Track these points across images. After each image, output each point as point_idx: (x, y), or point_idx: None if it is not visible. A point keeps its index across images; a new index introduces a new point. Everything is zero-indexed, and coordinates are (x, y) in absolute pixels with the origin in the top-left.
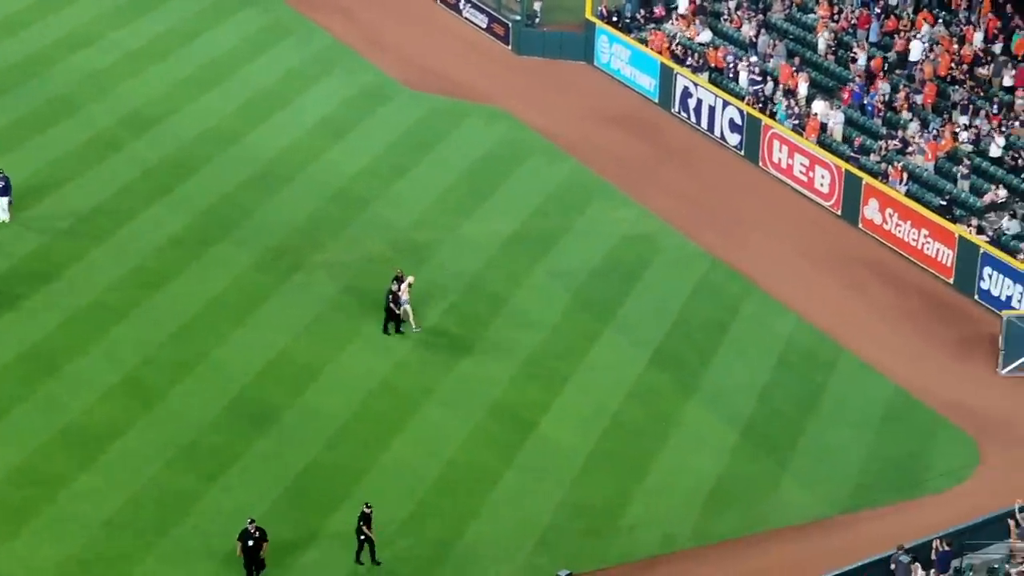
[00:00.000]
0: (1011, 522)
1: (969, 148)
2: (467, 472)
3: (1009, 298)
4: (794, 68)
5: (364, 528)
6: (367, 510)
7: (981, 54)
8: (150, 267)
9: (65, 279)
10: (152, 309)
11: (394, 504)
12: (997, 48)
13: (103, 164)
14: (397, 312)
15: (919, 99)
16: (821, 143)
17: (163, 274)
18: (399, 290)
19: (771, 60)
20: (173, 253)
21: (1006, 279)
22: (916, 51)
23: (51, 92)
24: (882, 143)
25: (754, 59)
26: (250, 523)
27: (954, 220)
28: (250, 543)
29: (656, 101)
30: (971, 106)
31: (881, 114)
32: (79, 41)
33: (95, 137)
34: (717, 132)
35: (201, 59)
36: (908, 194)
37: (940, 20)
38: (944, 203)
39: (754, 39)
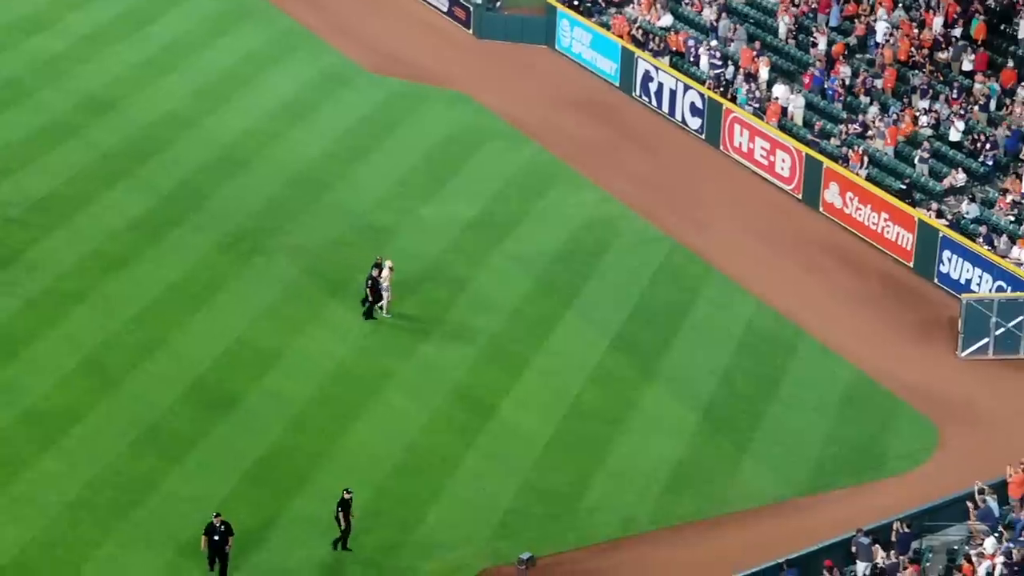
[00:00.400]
0: (970, 504)
1: (929, 132)
2: (428, 456)
3: (968, 281)
4: (755, 52)
5: (340, 515)
6: (347, 496)
7: (941, 39)
8: (109, 251)
9: (23, 264)
10: (111, 293)
11: (355, 488)
12: (957, 32)
13: (60, 148)
14: (377, 297)
15: (879, 83)
16: (782, 127)
17: (122, 258)
18: (379, 276)
19: (732, 44)
20: (132, 237)
21: (965, 262)
22: (880, 32)
23: (6, 76)
24: (842, 127)
25: (715, 43)
26: (216, 517)
27: (914, 204)
28: (216, 537)
29: (617, 85)
30: (931, 90)
31: (841, 98)
32: (34, 25)
33: (52, 121)
34: (678, 116)
35: (159, 42)
36: (868, 178)
37: (900, 4)
38: (904, 187)
39: (715, 23)
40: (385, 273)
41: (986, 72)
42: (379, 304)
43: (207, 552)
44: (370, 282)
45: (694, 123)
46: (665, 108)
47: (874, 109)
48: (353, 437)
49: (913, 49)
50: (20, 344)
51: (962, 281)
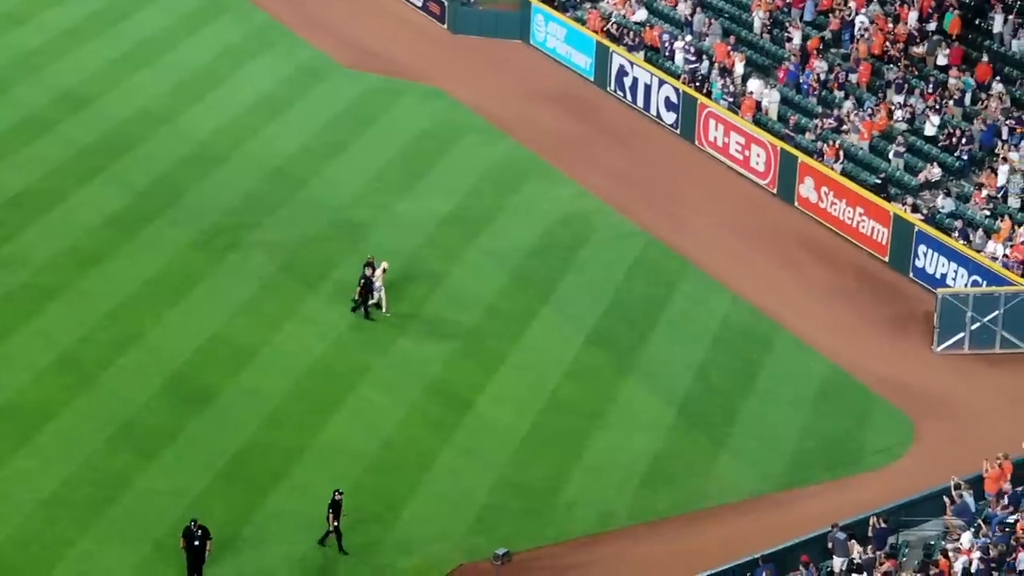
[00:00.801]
0: (946, 499)
1: (904, 127)
2: (404, 452)
3: (944, 276)
4: (730, 47)
5: (331, 516)
6: (338, 496)
7: (915, 33)
8: (84, 247)
9: None
10: (86, 289)
11: (331, 484)
12: (931, 27)
13: (35, 144)
14: (369, 297)
15: (854, 78)
16: (756, 122)
17: (98, 254)
18: (372, 275)
19: (707, 39)
20: (108, 233)
21: (940, 257)
22: (855, 26)
23: None
24: (817, 122)
25: (689, 38)
26: (193, 523)
27: (889, 198)
28: (195, 543)
29: (592, 80)
30: (906, 85)
31: (816, 93)
32: (10, 21)
33: (27, 117)
34: (653, 111)
35: (135, 38)
36: (843, 172)
37: None
38: (879, 181)
39: (689, 18)
40: (378, 273)
41: (961, 67)
42: (373, 303)
43: (186, 557)
44: (363, 281)
45: (669, 118)
46: (640, 103)
47: (849, 104)
48: (329, 433)
49: (888, 43)
50: None
51: (937, 276)
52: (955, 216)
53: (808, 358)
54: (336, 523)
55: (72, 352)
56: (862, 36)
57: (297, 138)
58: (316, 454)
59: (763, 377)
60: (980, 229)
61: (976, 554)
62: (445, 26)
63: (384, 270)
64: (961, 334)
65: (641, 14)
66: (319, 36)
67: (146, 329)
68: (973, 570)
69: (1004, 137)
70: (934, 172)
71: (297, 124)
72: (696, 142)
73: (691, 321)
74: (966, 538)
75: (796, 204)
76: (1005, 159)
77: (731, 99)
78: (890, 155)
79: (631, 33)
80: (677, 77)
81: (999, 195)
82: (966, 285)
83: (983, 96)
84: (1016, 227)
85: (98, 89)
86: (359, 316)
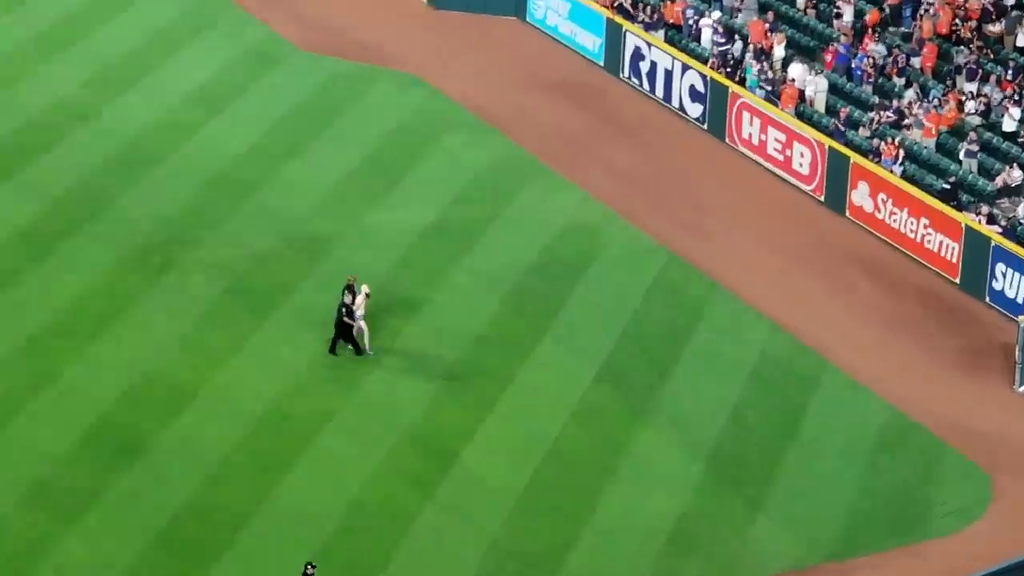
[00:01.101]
0: None
1: (977, 121)
2: (376, 514)
3: None
4: (767, 25)
5: None
6: (310, 571)
7: (991, 8)
8: None
9: None
10: None
11: (289, 553)
12: (1010, 1)
13: None
14: (350, 329)
15: (916, 62)
16: (800, 115)
17: (5, 275)
18: (353, 303)
19: (739, 15)
20: (17, 250)
21: (1023, 278)
22: None
23: None
24: (873, 115)
25: (718, 14)
26: None
27: (960, 207)
28: None
29: (602, 64)
30: (979, 71)
31: (871, 80)
32: None
33: None
34: (675, 102)
35: (51, 16)
36: (904, 176)
37: None
38: (948, 187)
39: None
40: (360, 300)
41: None
42: (355, 330)
43: None
44: (344, 310)
45: (694, 110)
46: (659, 92)
47: (911, 93)
48: (285, 492)
49: (957, 21)
50: None
51: (1019, 300)
52: None
53: (863, 400)
54: None
55: None
56: (926, 12)
57: (246, 136)
58: (269, 518)
59: (808, 424)
60: None
61: None
62: (425, 1)
63: (367, 295)
64: None
65: None
66: (272, 12)
67: (65, 366)
68: None
69: None
70: (1014, 175)
71: (245, 120)
72: (727, 140)
73: (721, 355)
74: None
75: (847, 214)
76: None
77: (769, 88)
78: (961, 155)
79: (648, 8)
80: (704, 61)
81: None
82: None
83: None
84: None
85: (5, 76)
86: (344, 351)
